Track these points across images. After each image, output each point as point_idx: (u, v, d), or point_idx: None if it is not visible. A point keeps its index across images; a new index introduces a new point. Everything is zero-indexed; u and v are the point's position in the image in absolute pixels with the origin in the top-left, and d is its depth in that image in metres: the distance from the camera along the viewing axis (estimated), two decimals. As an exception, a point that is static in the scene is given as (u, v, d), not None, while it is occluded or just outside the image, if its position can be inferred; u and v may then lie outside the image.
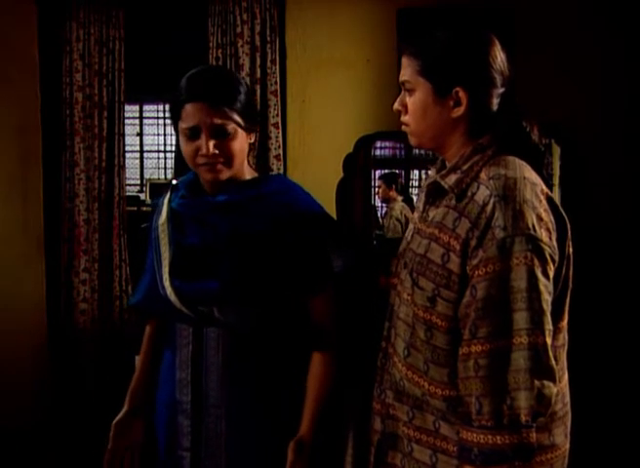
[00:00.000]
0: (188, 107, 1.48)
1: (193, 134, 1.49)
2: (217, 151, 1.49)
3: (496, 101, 1.34)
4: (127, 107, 3.72)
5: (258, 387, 1.55)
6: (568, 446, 1.38)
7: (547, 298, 1.23)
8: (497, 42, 1.36)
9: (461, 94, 1.32)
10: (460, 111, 1.33)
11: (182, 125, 1.50)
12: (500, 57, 1.35)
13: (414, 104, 1.37)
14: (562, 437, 1.35)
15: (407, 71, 1.37)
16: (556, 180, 3.07)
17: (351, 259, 1.59)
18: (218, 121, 1.48)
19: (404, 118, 1.40)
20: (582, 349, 1.80)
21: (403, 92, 1.40)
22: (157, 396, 1.67)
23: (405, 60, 1.38)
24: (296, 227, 1.53)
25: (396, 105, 1.41)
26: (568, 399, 1.40)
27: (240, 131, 1.51)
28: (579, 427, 1.46)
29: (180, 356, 1.58)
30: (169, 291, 1.56)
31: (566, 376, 1.40)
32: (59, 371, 3.36)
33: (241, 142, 1.52)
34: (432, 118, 1.35)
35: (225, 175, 1.53)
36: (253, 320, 1.53)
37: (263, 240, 1.52)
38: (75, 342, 3.34)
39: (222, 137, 1.49)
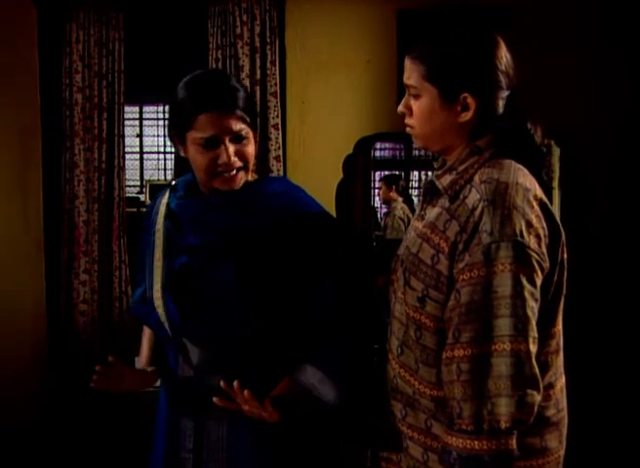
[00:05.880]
0: (203, 117, 1.43)
1: (211, 143, 1.45)
2: (237, 158, 1.46)
3: (501, 104, 1.33)
4: (127, 109, 3.74)
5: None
6: (562, 452, 1.36)
7: (533, 306, 1.21)
8: (502, 43, 1.34)
9: (469, 99, 1.30)
10: (467, 116, 1.32)
11: (196, 135, 1.45)
12: (505, 58, 1.33)
13: (419, 109, 1.34)
14: (555, 442, 1.33)
15: (412, 75, 1.34)
16: (555, 182, 3.07)
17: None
18: (236, 127, 1.45)
19: (408, 121, 1.38)
20: (580, 352, 1.79)
21: (407, 94, 1.37)
22: (160, 396, 1.65)
23: (409, 64, 1.35)
24: (301, 229, 1.50)
25: (400, 108, 1.39)
26: (564, 405, 1.38)
27: (251, 132, 1.49)
28: (577, 433, 1.44)
29: (183, 356, 1.55)
30: (157, 303, 1.53)
31: (561, 382, 1.37)
32: (58, 372, 3.36)
33: (253, 144, 1.50)
34: (438, 122, 1.33)
35: (242, 182, 1.50)
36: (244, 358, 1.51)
37: (268, 239, 1.49)
38: (75, 343, 3.34)
39: (240, 142, 1.47)
